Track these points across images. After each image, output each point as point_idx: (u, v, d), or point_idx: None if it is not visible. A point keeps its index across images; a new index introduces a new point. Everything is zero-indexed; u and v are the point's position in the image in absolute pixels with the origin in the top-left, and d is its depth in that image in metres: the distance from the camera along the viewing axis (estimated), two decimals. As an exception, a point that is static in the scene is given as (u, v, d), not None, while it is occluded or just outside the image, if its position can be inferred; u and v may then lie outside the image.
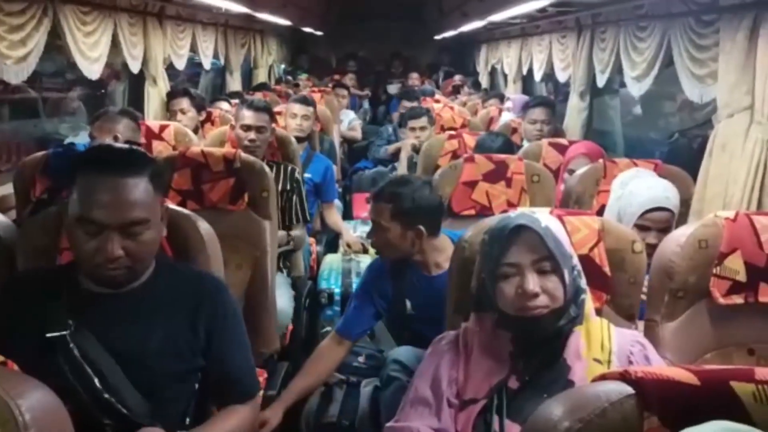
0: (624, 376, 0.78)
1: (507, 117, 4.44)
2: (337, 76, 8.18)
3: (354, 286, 3.14)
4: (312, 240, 3.53)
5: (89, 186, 1.28)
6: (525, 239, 1.29)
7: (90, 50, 2.95)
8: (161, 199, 1.39)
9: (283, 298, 2.57)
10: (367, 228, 3.82)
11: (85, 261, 1.29)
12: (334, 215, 3.72)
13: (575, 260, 1.35)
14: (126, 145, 1.46)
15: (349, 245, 3.56)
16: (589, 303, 1.36)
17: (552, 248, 1.27)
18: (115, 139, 2.51)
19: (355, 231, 3.77)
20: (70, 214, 1.29)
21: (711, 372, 0.75)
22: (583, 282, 1.35)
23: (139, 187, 1.29)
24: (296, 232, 2.88)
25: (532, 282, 1.26)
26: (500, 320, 1.32)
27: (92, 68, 2.97)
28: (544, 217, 1.34)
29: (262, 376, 2.09)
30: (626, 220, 2.04)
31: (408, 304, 2.07)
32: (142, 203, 1.29)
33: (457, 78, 7.86)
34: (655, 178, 2.21)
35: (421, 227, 1.99)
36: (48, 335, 1.28)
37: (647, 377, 0.76)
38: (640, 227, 2.01)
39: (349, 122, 6.18)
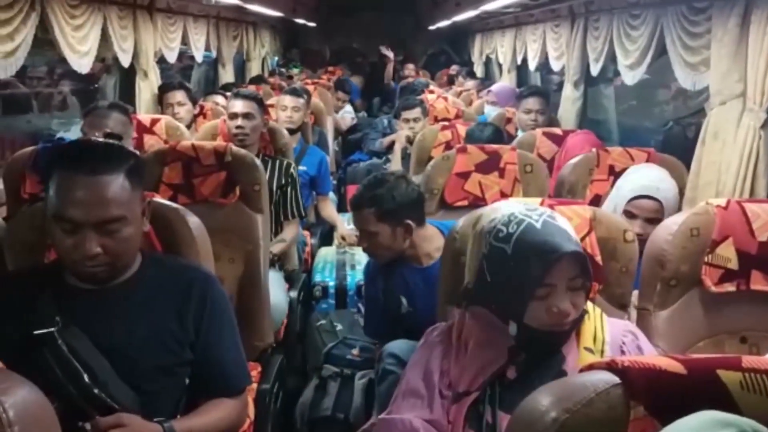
0: (611, 366, 0.78)
1: (492, 111, 4.27)
2: (331, 69, 8.14)
3: (348, 278, 3.15)
4: (306, 233, 3.52)
5: (64, 183, 1.27)
6: (568, 260, 1.23)
7: (79, 44, 2.93)
8: (141, 194, 1.37)
9: (278, 294, 2.56)
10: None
11: (65, 258, 1.29)
12: (328, 207, 3.71)
13: None
14: (102, 140, 1.43)
15: (343, 238, 3.56)
16: None
17: (588, 268, 1.24)
18: (106, 135, 2.49)
19: (349, 223, 3.75)
20: (47, 212, 1.28)
21: (697, 361, 0.75)
22: None
23: (115, 184, 1.28)
24: (289, 229, 2.87)
25: (568, 302, 1.23)
26: (521, 332, 1.26)
27: (82, 62, 2.95)
28: (567, 226, 1.28)
29: (256, 369, 2.09)
30: (618, 208, 2.05)
31: (404, 301, 2.05)
32: (118, 200, 1.28)
33: (454, 68, 7.82)
34: (653, 169, 2.20)
35: (409, 221, 1.99)
36: (35, 332, 1.27)
37: (634, 366, 0.75)
38: (627, 214, 2.02)
39: (341, 114, 6.14)
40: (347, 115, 6.23)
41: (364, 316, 2.25)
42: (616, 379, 0.76)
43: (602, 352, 1.30)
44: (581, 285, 1.25)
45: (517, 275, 1.23)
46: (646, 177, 2.09)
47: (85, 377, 1.27)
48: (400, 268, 2.06)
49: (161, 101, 3.82)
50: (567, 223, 1.31)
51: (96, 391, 1.27)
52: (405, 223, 1.99)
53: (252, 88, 4.26)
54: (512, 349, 1.29)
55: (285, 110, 3.68)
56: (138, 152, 2.70)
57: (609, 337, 1.31)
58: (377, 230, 1.99)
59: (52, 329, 1.27)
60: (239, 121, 2.84)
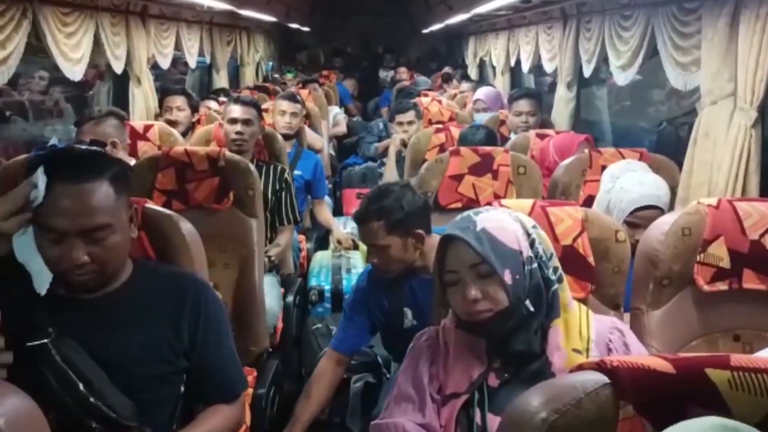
0: (600, 366, 0.78)
1: (483, 117, 4.22)
2: (325, 73, 8.15)
3: (344, 282, 3.14)
4: (302, 237, 3.52)
5: (48, 193, 1.25)
6: (458, 246, 1.29)
7: (72, 51, 2.93)
8: (128, 201, 1.36)
9: (271, 298, 2.55)
10: (357, 224, 3.85)
11: (53, 268, 1.28)
12: (324, 211, 3.71)
13: (528, 254, 1.29)
14: (85, 147, 1.42)
15: (339, 242, 3.55)
16: (567, 293, 1.33)
17: (483, 253, 1.25)
18: (113, 144, 2.50)
19: (345, 227, 3.76)
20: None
21: (686, 360, 0.75)
22: (552, 273, 1.31)
23: (99, 192, 1.27)
24: (284, 235, 2.87)
25: (472, 289, 1.26)
26: (458, 322, 1.34)
27: (74, 70, 2.95)
28: (484, 218, 1.31)
29: (251, 374, 2.09)
30: (616, 215, 2.02)
31: (409, 314, 1.99)
32: (102, 208, 1.27)
33: (447, 68, 7.87)
34: (647, 174, 2.18)
35: (419, 230, 1.92)
36: (29, 344, 1.26)
37: (623, 366, 0.75)
38: (630, 224, 1.99)
39: (333, 117, 6.12)
40: (339, 116, 6.18)
41: (339, 324, 2.11)
42: (605, 379, 0.76)
43: (588, 350, 1.30)
44: (489, 272, 1.26)
45: (437, 264, 1.38)
46: (645, 185, 2.06)
47: (81, 387, 1.26)
48: (408, 280, 1.98)
49: (161, 105, 3.84)
50: (499, 221, 1.31)
51: (92, 400, 1.26)
52: (415, 232, 1.91)
53: (246, 93, 4.28)
54: (487, 351, 1.31)
55: (283, 115, 3.67)
56: (132, 158, 2.72)
57: (595, 335, 1.31)
58: (388, 243, 1.90)
59: (46, 341, 1.27)
60: (239, 127, 2.84)
